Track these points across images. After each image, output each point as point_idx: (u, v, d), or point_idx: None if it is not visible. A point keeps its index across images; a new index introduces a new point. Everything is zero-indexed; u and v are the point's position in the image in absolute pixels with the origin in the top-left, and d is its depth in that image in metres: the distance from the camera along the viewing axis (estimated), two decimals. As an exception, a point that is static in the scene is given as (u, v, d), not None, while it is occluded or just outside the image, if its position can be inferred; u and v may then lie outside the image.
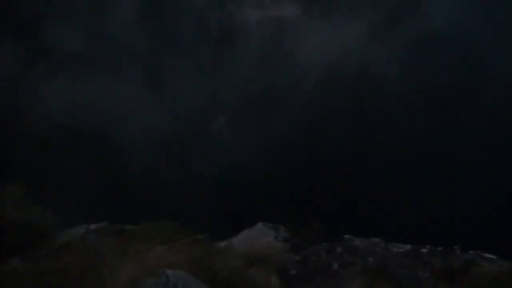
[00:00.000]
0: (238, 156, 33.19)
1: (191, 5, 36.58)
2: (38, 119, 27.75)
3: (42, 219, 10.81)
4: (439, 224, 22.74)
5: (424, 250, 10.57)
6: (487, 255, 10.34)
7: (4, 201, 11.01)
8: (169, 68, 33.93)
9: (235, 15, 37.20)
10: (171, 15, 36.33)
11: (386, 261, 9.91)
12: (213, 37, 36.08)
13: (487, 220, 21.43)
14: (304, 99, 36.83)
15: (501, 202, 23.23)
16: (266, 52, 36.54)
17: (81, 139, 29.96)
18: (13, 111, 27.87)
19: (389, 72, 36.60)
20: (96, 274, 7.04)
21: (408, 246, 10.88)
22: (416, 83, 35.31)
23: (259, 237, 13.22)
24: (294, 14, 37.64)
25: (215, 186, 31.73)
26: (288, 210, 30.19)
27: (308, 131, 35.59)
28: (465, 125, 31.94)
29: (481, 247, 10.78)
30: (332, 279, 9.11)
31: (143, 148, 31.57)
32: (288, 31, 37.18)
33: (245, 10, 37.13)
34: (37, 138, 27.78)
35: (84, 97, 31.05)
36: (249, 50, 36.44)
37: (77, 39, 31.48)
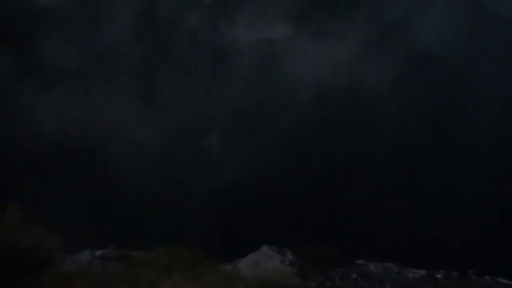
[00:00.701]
0: (231, 173, 32.90)
1: (184, 24, 36.55)
2: (29, 135, 27.15)
3: (43, 243, 10.40)
4: (438, 247, 22.69)
5: (439, 276, 10.44)
6: (503, 280, 10.24)
7: (2, 224, 10.58)
8: (162, 85, 33.66)
9: (227, 35, 37.29)
10: (164, 34, 36.26)
11: (403, 287, 9.73)
12: (206, 56, 36.01)
13: (490, 241, 21.48)
14: (295, 116, 36.86)
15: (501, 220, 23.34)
16: (258, 71, 36.58)
17: (74, 155, 29.34)
18: (3, 127, 27.22)
19: (380, 90, 36.86)
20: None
21: (423, 271, 10.74)
22: (407, 101, 35.63)
23: (265, 261, 12.93)
24: (287, 34, 37.86)
25: (209, 205, 31.30)
26: (284, 228, 29.92)
27: (299, 148, 35.55)
28: (455, 144, 32.24)
29: (495, 272, 10.68)
30: (351, 307, 8.90)
31: (136, 164, 31.08)
32: (280, 50, 37.32)
33: (237, 30, 37.24)
34: (28, 154, 27.15)
35: (77, 112, 30.54)
36: (241, 69, 36.43)
37: (70, 54, 31.08)
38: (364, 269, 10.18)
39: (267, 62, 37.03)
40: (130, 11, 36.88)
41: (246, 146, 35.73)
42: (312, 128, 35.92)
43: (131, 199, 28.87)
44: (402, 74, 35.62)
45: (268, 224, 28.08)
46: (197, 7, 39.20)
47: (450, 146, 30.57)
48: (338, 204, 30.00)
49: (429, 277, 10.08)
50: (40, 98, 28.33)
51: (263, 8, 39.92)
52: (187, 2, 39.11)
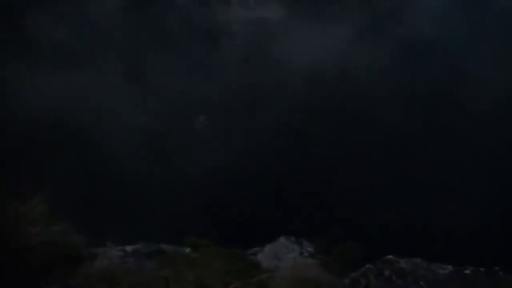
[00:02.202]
0: (221, 156, 32.58)
1: (175, 2, 35.45)
2: (16, 115, 26.10)
3: (69, 237, 10.01)
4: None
5: (468, 272, 10.62)
6: (529, 277, 10.50)
7: (26, 218, 10.12)
8: (151, 65, 32.75)
9: (220, 15, 36.42)
10: (155, 11, 35.10)
11: (437, 284, 9.88)
12: (197, 36, 35.16)
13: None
14: (287, 99, 36.61)
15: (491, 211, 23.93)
16: (250, 52, 36.05)
17: (61, 136, 28.40)
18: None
19: (373, 76, 37.03)
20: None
21: (450, 267, 10.90)
22: (399, 87, 35.92)
23: (284, 252, 12.96)
24: (280, 15, 37.30)
25: (200, 188, 30.98)
26: (276, 212, 29.99)
27: (290, 131, 35.40)
28: (446, 131, 32.75)
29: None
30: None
31: (125, 145, 30.39)
32: (273, 32, 36.80)
33: (230, 10, 36.41)
34: (15, 135, 26.14)
35: (65, 92, 29.45)
36: (233, 50, 35.82)
37: (58, 33, 29.76)
38: (396, 265, 10.27)
39: (259, 43, 36.58)
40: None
41: (238, 128, 35.46)
42: (305, 109, 35.85)
43: (123, 181, 28.29)
44: (395, 59, 35.84)
45: (259, 209, 28.10)
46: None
47: (444, 132, 31.10)
48: (329, 191, 30.21)
49: (457, 273, 10.27)
50: (27, 76, 27.18)
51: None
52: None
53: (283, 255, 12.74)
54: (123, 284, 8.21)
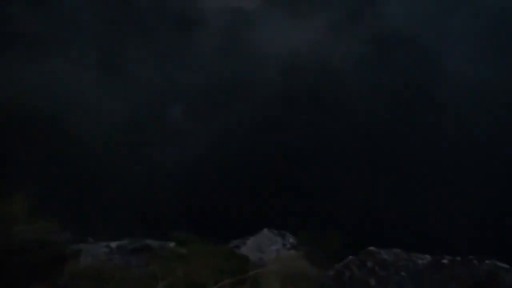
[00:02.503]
0: (197, 146, 32.32)
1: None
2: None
3: (53, 236, 9.89)
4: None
5: (445, 261, 11.03)
6: (502, 264, 11.01)
7: (6, 216, 9.92)
8: (125, 53, 32.09)
9: (195, 3, 35.92)
10: (129, 0, 34.31)
11: (417, 274, 10.24)
12: (172, 24, 34.61)
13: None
14: (262, 89, 36.54)
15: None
16: (225, 41, 35.76)
17: (31, 125, 27.62)
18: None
19: (347, 67, 37.33)
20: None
21: (428, 257, 11.29)
22: (372, 79, 36.34)
23: (267, 244, 13.13)
24: (255, 4, 37.07)
25: (175, 178, 30.63)
26: (248, 201, 29.91)
27: (265, 120, 35.35)
28: (418, 122, 33.34)
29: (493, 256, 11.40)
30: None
31: (98, 134, 29.79)
32: (248, 21, 36.58)
33: (205, -1, 35.95)
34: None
35: (35, 80, 28.60)
36: (209, 38, 35.43)
37: (30, 20, 28.74)
38: (378, 257, 10.59)
39: (235, 33, 36.25)
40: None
41: (213, 118, 35.27)
42: (280, 99, 35.94)
43: (98, 174, 27.74)
44: (371, 50, 36.21)
45: (236, 199, 28.08)
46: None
47: (419, 121, 31.67)
48: (305, 181, 30.44)
49: (436, 263, 10.66)
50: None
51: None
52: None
53: (266, 247, 12.92)
54: (110, 282, 8.16)
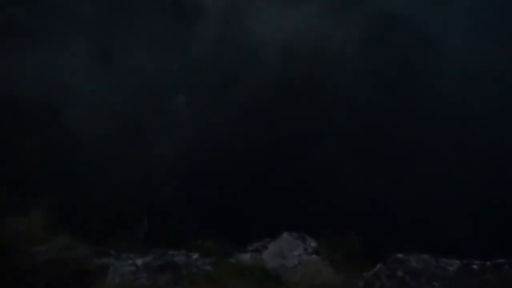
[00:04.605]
0: (199, 137, 31.82)
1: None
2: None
3: (77, 254, 9.47)
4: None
5: (475, 267, 10.83)
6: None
7: (26, 233, 9.45)
8: (123, 42, 31.16)
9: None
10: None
11: (449, 283, 10.05)
12: (168, 11, 33.64)
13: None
14: (261, 75, 35.97)
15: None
16: (223, 28, 34.95)
17: (22, 117, 26.83)
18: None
19: (344, 51, 36.88)
20: None
21: (458, 262, 11.09)
22: (370, 63, 35.97)
23: (289, 250, 12.85)
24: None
25: (177, 171, 30.31)
26: (255, 194, 29.83)
27: (266, 109, 34.96)
28: (415, 108, 33.19)
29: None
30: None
31: (93, 128, 29.09)
32: (245, 7, 35.74)
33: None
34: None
35: (25, 70, 27.62)
36: (206, 26, 34.58)
37: (19, 8, 27.56)
38: (407, 264, 10.35)
39: (232, 19, 35.41)
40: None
41: (210, 107, 34.66)
42: (278, 86, 35.39)
43: (98, 172, 27.05)
44: (367, 34, 35.73)
45: (241, 195, 27.71)
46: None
47: (415, 108, 31.52)
48: (304, 173, 30.05)
49: (465, 268, 10.47)
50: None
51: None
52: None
53: (288, 252, 12.64)
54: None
